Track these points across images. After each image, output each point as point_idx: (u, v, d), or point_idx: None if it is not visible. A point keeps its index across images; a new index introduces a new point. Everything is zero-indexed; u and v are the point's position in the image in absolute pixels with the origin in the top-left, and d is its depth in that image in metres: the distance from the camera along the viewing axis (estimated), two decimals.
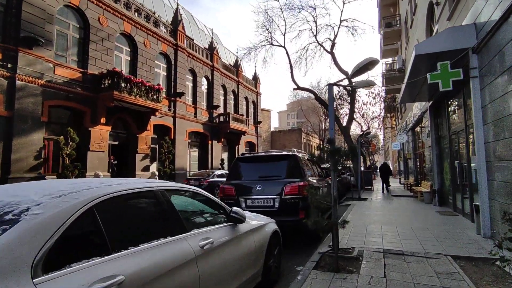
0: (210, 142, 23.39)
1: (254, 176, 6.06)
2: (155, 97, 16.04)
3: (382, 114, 27.67)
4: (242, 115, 27.98)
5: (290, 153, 6.21)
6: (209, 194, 3.05)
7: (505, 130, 4.97)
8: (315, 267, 4.42)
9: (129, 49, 16.51)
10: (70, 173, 11.75)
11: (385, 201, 12.46)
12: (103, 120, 14.05)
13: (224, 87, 26.30)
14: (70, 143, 12.04)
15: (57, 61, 12.49)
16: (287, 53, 20.22)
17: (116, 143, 15.70)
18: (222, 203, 3.18)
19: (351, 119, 18.98)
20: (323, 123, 40.32)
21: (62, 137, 12.01)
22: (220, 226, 2.93)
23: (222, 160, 23.78)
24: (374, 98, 25.91)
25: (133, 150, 16.38)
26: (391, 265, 4.38)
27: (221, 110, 25.54)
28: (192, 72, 22.06)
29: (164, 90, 19.00)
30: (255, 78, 33.10)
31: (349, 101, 21.03)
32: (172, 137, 18.96)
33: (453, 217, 8.21)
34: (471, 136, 7.36)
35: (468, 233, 6.24)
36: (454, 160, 8.99)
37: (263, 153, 6.55)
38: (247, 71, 33.40)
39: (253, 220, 3.78)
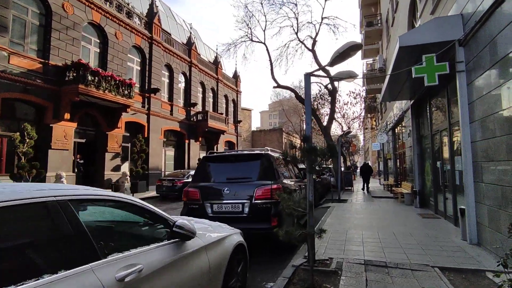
0: (187, 141, 22.48)
1: (222, 177, 5.38)
2: (126, 92, 15.04)
3: (363, 114, 27.62)
4: (222, 113, 27.21)
5: (263, 152, 5.58)
6: (145, 204, 2.36)
7: (495, 128, 4.53)
8: (287, 284, 3.80)
9: (98, 40, 15.41)
10: (27, 173, 10.65)
11: (366, 202, 12.08)
12: (67, 115, 12.95)
13: (202, 84, 25.43)
14: (27, 140, 10.92)
15: (12, 49, 11.32)
16: (267, 49, 19.64)
17: (83, 141, 14.60)
18: (165, 214, 2.49)
19: (331, 118, 18.63)
20: (304, 123, 40.06)
21: (17, 133, 10.87)
22: (159, 245, 2.25)
23: (199, 159, 22.91)
24: (355, 98, 25.81)
25: (102, 148, 15.31)
26: (374, 280, 3.82)
27: (199, 108, 24.67)
28: (169, 67, 21.09)
29: (138, 85, 17.99)
30: (236, 76, 32.38)
31: (330, 100, 20.71)
32: (146, 135, 17.96)
33: (435, 220, 7.84)
34: (455, 135, 6.99)
35: (453, 239, 5.81)
36: (436, 160, 8.65)
37: (232, 152, 5.88)
38: (228, 69, 32.65)
39: (211, 232, 3.12)
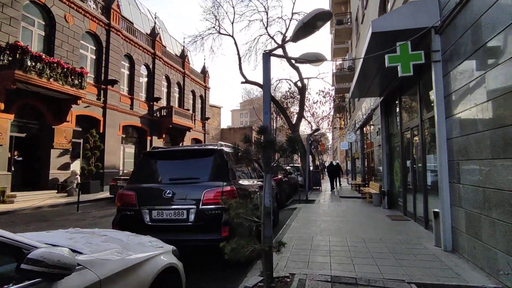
0: (149, 138, 21.06)
1: (165, 178, 4.47)
2: (77, 82, 13.54)
3: (332, 113, 27.55)
4: (188, 110, 25.97)
5: (216, 147, 4.72)
6: None
7: (477, 123, 4.00)
8: None
9: (43, 22, 13.72)
10: None
11: (333, 203, 11.60)
12: (0, 106, 11.28)
13: (167, 78, 24.05)
14: None
15: None
16: (235, 43, 18.86)
17: (23, 135, 12.91)
18: (18, 240, 1.57)
19: (300, 116, 18.16)
20: (274, 121, 39.46)
21: None
22: None
23: (140, 156, 21.52)
24: (324, 96, 25.62)
25: (47, 144, 13.66)
26: None
27: (163, 103, 23.29)
28: (129, 58, 19.58)
29: (92, 75, 16.41)
30: (204, 72, 31.19)
31: (299, 98, 20.24)
32: (101, 131, 16.43)
33: (405, 222, 7.40)
34: (427, 133, 6.54)
35: (426, 245, 5.30)
36: (406, 159, 8.25)
37: (179, 148, 4.97)
38: (196, 65, 31.42)
39: (123, 254, 2.22)
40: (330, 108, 27.49)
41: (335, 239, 5.79)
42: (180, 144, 25.39)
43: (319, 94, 25.66)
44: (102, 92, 16.79)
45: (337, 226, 7.03)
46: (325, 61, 4.11)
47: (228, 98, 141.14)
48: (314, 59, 3.89)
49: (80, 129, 15.54)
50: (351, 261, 4.51)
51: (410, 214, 7.83)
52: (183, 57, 26.69)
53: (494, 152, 3.60)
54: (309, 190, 15.35)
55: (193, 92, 28.47)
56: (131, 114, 19.20)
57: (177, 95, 25.79)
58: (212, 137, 39.98)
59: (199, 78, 29.79)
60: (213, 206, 4.07)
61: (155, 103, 21.72)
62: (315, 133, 16.08)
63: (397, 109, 8.89)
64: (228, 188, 4.19)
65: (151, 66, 21.60)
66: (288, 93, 25.47)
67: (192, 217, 4.08)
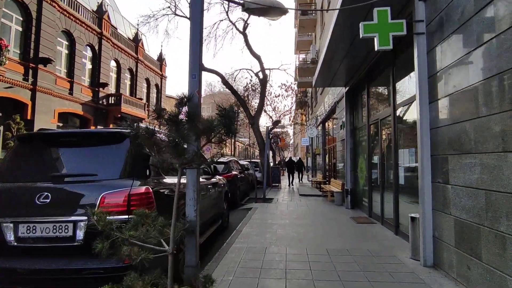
0: (93, 127, 18.71)
1: (44, 174, 2.99)
2: None
3: (294, 108, 26.88)
4: (141, 99, 23.74)
5: (130, 130, 3.33)
6: None
7: (479, 106, 3.06)
8: None
9: None
10: None
11: (293, 202, 10.63)
12: None
13: (117, 62, 21.68)
14: None
15: None
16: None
17: None
18: None
19: (261, 108, 17.04)
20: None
21: None
22: None
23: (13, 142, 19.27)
24: (286, 90, 24.78)
25: None
26: None
27: (111, 90, 20.94)
28: (68, 35, 17.10)
29: (17, 51, 13.91)
30: (161, 59, 28.95)
31: (259, 90, 19.11)
32: (28, 117, 14.00)
33: (372, 226, 6.53)
34: (401, 123, 5.67)
35: (401, 257, 4.37)
36: (373, 155, 7.42)
37: (74, 131, 3.51)
38: (153, 52, 29.05)
39: None
40: (292, 103, 26.80)
41: (294, 251, 4.67)
42: None
43: (281, 87, 24.80)
44: (31, 71, 14.30)
45: (296, 232, 5.95)
46: (282, 13, 2.90)
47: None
48: (269, 5, 2.66)
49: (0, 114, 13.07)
50: (312, 284, 3.39)
51: (377, 216, 7.01)
52: (136, 41, 24.33)
53: (507, 143, 2.65)
54: (267, 188, 14.35)
55: (147, 80, 26.20)
56: (70, 100, 16.81)
57: (128, 82, 23.44)
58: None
59: (155, 65, 27.53)
60: (114, 217, 2.70)
61: (101, 89, 19.36)
62: (276, 126, 15.10)
63: (364, 99, 8.04)
64: (141, 189, 2.85)
65: (96, 48, 19.17)
66: (250, 85, 24.29)
67: (81, 234, 2.68)
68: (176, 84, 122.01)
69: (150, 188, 2.92)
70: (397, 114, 5.74)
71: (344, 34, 5.79)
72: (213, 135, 2.25)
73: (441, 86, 3.83)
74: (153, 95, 27.61)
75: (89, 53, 18.90)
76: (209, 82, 45.50)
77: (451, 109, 3.57)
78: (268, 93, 24.69)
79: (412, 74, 4.94)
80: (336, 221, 7.09)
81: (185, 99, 2.28)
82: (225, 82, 16.69)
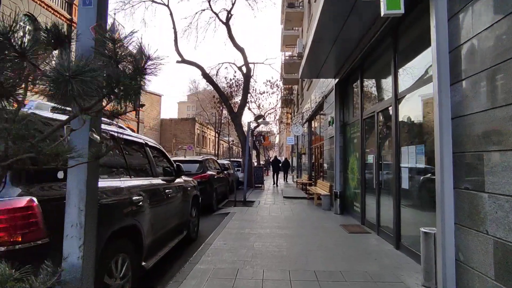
0: None
1: None
2: None
3: (279, 105, 25.93)
4: None
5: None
6: None
7: None
8: None
9: None
10: None
11: (276, 205, 9.60)
12: None
13: None
14: None
15: None
16: (171, 14, 15.90)
17: None
18: None
19: (244, 104, 15.97)
20: (219, 111, 36.78)
21: None
22: None
23: None
24: (271, 87, 23.78)
25: None
26: None
27: None
28: (32, 19, 15.49)
29: None
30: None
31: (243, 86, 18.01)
32: None
33: (366, 237, 5.57)
34: (404, 115, 4.71)
35: (411, 285, 3.39)
36: (367, 154, 6.47)
37: None
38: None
39: None
40: (277, 100, 25.83)
41: (273, 276, 3.62)
42: None
43: (266, 84, 23.77)
44: None
45: (277, 246, 4.91)
46: None
47: (175, 89, 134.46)
48: None
49: None
50: None
51: (371, 224, 6.06)
52: (113, 31, 22.72)
53: None
54: (248, 190, 13.31)
55: None
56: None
57: None
58: (150, 127, 36.17)
59: None
60: None
61: None
62: (259, 122, 14.04)
63: (357, 91, 7.10)
64: (17, 202, 1.71)
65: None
66: (233, 81, 23.16)
67: None
68: (162, 82, 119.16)
69: (35, 201, 1.78)
70: (400, 105, 4.78)
71: (336, 9, 4.79)
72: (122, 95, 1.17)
73: (468, 61, 2.86)
74: None
75: None
76: (193, 79, 43.34)
77: (490, 88, 2.60)
78: (253, 89, 23.68)
79: (424, 53, 3.99)
80: (325, 230, 6.09)
81: (54, 30, 1.18)
82: (205, 74, 15.54)
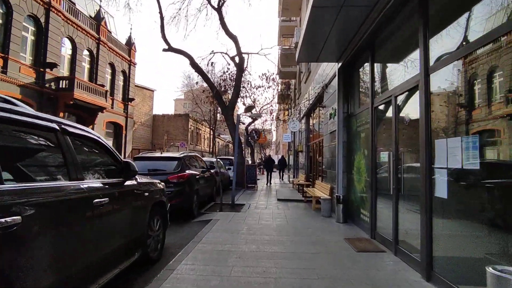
0: None
1: None
2: None
3: (276, 99, 24.57)
4: (103, 85, 20.77)
5: None
6: None
7: None
8: None
9: None
10: None
11: (268, 210, 8.32)
12: None
13: (72, 40, 18.66)
14: None
15: None
16: None
17: None
18: None
19: (236, 96, 14.61)
20: (215, 107, 35.27)
21: None
22: None
23: None
24: (267, 81, 22.41)
25: None
26: None
27: (63, 72, 17.97)
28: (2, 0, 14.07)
29: None
30: (129, 44, 25.96)
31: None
32: None
33: (380, 257, 4.28)
34: (439, 93, 3.43)
35: None
36: (378, 150, 5.18)
37: None
38: (121, 35, 26.02)
39: None
40: (273, 95, 24.49)
41: None
42: (90, 128, 20.17)
43: (262, 78, 22.43)
44: None
45: (263, 274, 3.61)
46: None
47: (171, 86, 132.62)
48: None
49: None
50: None
51: (385, 240, 4.78)
52: (98, 19, 21.30)
53: None
54: (239, 191, 12.03)
55: (112, 65, 23.21)
56: (3, 81, 13.82)
57: (87, 66, 20.44)
58: (141, 123, 34.73)
59: (122, 50, 24.55)
60: None
61: (48, 70, 16.38)
62: (251, 114, 12.68)
63: (367, 73, 5.81)
64: None
65: (42, 20, 16.14)
66: (227, 74, 21.76)
67: None
68: (148, 73, 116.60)
69: None
70: (431, 82, 3.49)
71: None
72: None
73: None
74: (120, 82, 24.65)
75: (30, 26, 15.79)
76: (188, 75, 40.45)
77: None
78: (247, 82, 22.34)
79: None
80: (327, 247, 4.80)
81: None
82: (193, 64, 14.19)
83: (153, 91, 37.93)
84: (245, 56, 16.55)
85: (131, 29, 26.58)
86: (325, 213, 7.34)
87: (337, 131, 7.20)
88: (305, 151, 14.64)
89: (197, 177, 7.84)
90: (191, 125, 39.73)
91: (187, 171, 7.32)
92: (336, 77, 7.29)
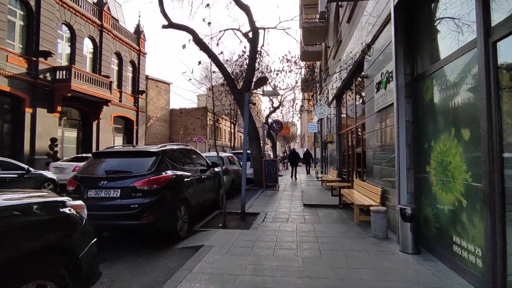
0: (29, 110, 14.14)
1: None
2: None
3: (299, 84, 21.75)
4: (108, 76, 18.99)
5: None
6: None
7: None
8: None
9: None
10: None
11: (290, 224, 5.84)
12: None
13: (70, 27, 16.91)
14: None
15: None
16: None
17: None
18: None
19: (250, 78, 12.09)
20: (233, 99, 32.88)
21: None
22: None
23: (53, 140, 14.65)
24: (288, 63, 19.61)
25: None
26: None
27: (60, 61, 16.29)
28: None
29: None
30: (138, 32, 24.11)
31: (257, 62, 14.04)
32: None
33: None
34: None
35: None
36: (503, 131, 2.54)
37: None
38: (128, 24, 24.24)
39: None
40: (296, 81, 21.70)
41: None
42: (94, 123, 18.55)
43: (282, 61, 19.70)
44: None
45: None
46: None
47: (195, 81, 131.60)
48: None
49: None
50: None
51: None
52: (100, 4, 19.49)
53: None
54: (256, 192, 9.70)
55: (118, 54, 21.44)
56: None
57: (89, 55, 18.72)
58: (156, 118, 33.17)
59: (130, 39, 22.75)
60: None
61: (41, 59, 14.69)
62: (261, 88, 10.12)
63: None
64: None
65: (32, 3, 14.41)
66: (243, 59, 19.21)
67: None
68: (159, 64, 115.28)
69: None
70: None
71: None
72: None
73: None
74: (128, 74, 22.89)
75: (17, 9, 14.07)
76: (206, 66, 36.96)
77: None
78: (265, 67, 19.76)
79: None
80: None
81: None
82: (197, 40, 11.83)
83: (169, 84, 36.24)
84: (260, 32, 14.02)
85: (139, 16, 24.72)
86: (378, 233, 4.75)
87: (394, 105, 4.56)
88: (336, 141, 11.94)
89: (186, 179, 5.47)
90: (209, 118, 37.73)
91: (169, 172, 4.97)
92: (392, 22, 4.62)
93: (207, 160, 7.39)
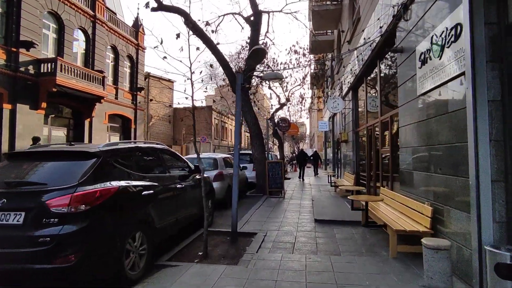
0: (9, 106, 12.73)
1: None
2: None
3: (308, 79, 19.90)
4: (102, 71, 17.49)
5: None
6: None
7: None
8: None
9: None
10: None
11: (297, 256, 4.13)
12: None
13: (57, 17, 15.45)
14: None
15: None
16: None
17: None
18: None
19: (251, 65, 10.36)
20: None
21: None
22: None
23: (36, 140, 13.18)
24: (296, 55, 17.78)
25: None
26: None
27: (45, 53, 14.85)
28: None
29: None
30: (137, 25, 22.66)
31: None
32: None
33: None
34: None
35: None
36: None
37: None
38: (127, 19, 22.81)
39: None
40: (304, 76, 19.86)
41: None
42: (86, 121, 17.12)
43: (290, 52, 17.88)
44: None
45: None
46: None
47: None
48: None
49: None
50: None
51: None
52: None
53: None
54: (259, 200, 8.00)
55: (114, 48, 20.00)
56: None
57: (80, 49, 17.30)
58: (159, 117, 31.79)
59: (125, 31, 21.30)
60: None
61: (23, 50, 13.26)
62: (259, 71, 8.40)
63: None
64: None
65: None
66: (245, 46, 17.45)
67: None
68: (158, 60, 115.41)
69: None
70: None
71: None
72: None
73: None
74: (126, 69, 21.45)
75: None
76: (209, 63, 35.47)
77: None
78: (271, 60, 18.07)
79: None
80: None
81: None
82: (190, 22, 10.18)
83: (172, 82, 34.79)
84: (264, 16, 12.36)
85: (138, 8, 23.30)
86: (436, 283, 2.97)
87: (467, 75, 2.80)
88: (353, 140, 10.11)
89: (147, 192, 3.78)
90: (214, 118, 36.19)
91: (113, 183, 3.29)
92: None
93: (190, 164, 5.70)
